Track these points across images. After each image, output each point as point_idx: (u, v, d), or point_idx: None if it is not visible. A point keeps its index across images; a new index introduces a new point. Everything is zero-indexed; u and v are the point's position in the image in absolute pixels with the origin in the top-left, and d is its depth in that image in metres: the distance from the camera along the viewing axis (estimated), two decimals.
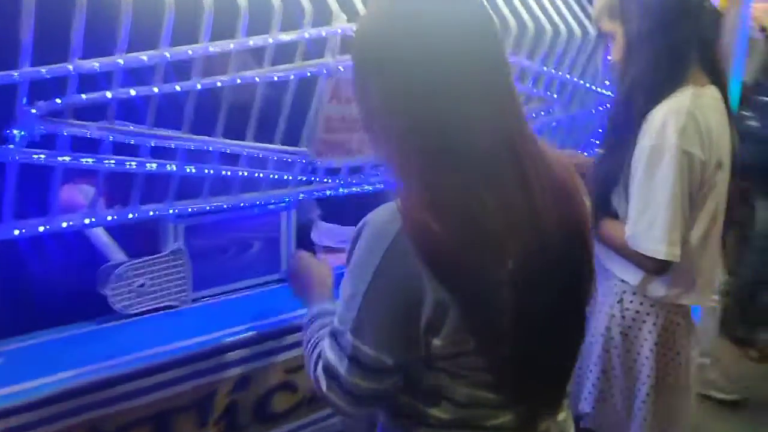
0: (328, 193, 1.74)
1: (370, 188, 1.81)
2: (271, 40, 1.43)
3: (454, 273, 0.90)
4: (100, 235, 1.52)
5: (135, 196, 1.45)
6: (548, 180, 0.95)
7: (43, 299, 1.53)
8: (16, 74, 1.18)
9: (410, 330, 0.92)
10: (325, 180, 1.71)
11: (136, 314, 1.51)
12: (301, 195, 1.71)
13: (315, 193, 1.73)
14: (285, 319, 1.54)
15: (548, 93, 2.03)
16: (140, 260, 1.50)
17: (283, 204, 1.70)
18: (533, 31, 1.85)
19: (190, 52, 1.34)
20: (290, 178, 1.65)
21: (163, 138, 1.41)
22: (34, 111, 1.23)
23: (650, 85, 1.52)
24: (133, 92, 1.32)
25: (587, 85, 2.13)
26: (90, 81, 1.28)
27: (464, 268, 0.90)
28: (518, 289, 0.92)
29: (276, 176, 1.62)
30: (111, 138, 1.34)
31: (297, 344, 1.34)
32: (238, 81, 1.43)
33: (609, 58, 1.70)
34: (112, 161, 1.37)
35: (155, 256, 1.51)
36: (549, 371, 1.01)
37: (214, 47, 1.37)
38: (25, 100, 1.22)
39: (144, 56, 1.30)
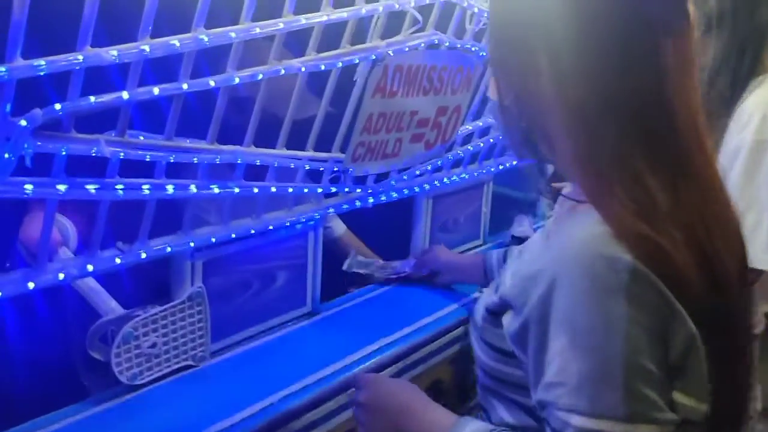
0: (357, 204, 1.44)
1: (396, 195, 1.52)
2: (325, 18, 1.10)
3: (700, 304, 0.71)
4: (88, 279, 1.13)
5: (144, 229, 1.08)
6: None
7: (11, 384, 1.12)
8: (2, 70, 0.79)
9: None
10: (346, 190, 1.40)
11: (143, 384, 1.14)
12: (331, 209, 1.39)
13: (344, 206, 1.41)
14: (337, 371, 1.23)
15: None
16: (152, 312, 1.13)
17: (312, 222, 1.37)
18: None
19: (233, 34, 0.98)
20: (320, 190, 1.33)
21: (185, 151, 1.05)
22: (24, 123, 0.83)
23: (734, 69, 1.36)
24: (156, 91, 0.95)
25: None
26: (90, 79, 0.90)
27: (706, 298, 0.72)
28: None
29: (307, 189, 1.30)
30: (122, 155, 0.96)
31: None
32: (282, 71, 1.09)
33: None
34: (121, 187, 0.99)
35: (171, 304, 1.15)
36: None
37: (261, 29, 1.02)
38: (9, 108, 0.83)
39: (175, 41, 0.93)
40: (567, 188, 0.86)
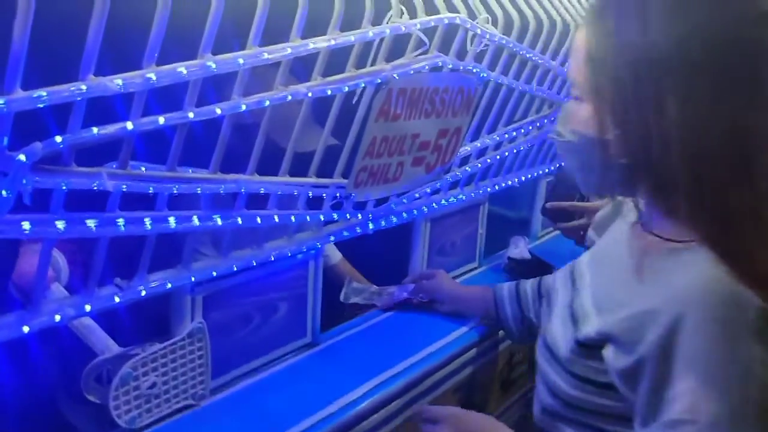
0: (358, 230, 1.39)
1: (396, 220, 1.48)
2: (332, 42, 1.06)
3: None
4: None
5: (143, 264, 1.02)
6: None
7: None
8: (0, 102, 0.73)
9: None
10: (348, 216, 1.36)
11: (141, 427, 1.07)
12: (332, 237, 1.34)
13: (344, 232, 1.36)
14: (342, 407, 1.18)
15: (563, 96, 1.80)
16: (152, 350, 1.06)
17: (313, 251, 1.32)
18: (547, 24, 1.61)
19: (241, 60, 0.93)
20: (323, 217, 1.28)
21: (188, 182, 0.99)
22: (23, 158, 0.77)
23: None
24: (162, 120, 0.89)
25: None
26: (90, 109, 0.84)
27: None
28: None
29: (309, 217, 1.25)
30: (125, 188, 0.90)
31: None
32: (289, 97, 1.04)
33: None
34: (122, 221, 0.93)
35: (171, 342, 1.09)
36: None
37: (269, 54, 0.97)
38: (6, 141, 0.77)
39: (183, 68, 0.87)
40: (657, 227, 0.85)
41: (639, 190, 0.82)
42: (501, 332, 1.46)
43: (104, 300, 0.98)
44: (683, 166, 0.72)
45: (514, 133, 1.70)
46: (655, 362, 0.76)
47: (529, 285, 1.40)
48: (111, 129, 0.84)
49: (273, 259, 1.22)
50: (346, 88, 1.13)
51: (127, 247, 1.01)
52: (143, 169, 0.95)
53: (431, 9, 1.27)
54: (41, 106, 0.76)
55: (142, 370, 1.06)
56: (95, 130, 0.82)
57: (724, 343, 0.71)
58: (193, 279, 1.09)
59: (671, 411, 0.74)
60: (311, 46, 1.03)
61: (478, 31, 1.36)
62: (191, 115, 0.92)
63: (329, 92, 1.10)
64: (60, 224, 0.85)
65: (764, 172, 0.71)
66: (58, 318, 0.92)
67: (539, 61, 1.62)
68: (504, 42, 1.47)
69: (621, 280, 0.89)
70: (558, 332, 0.94)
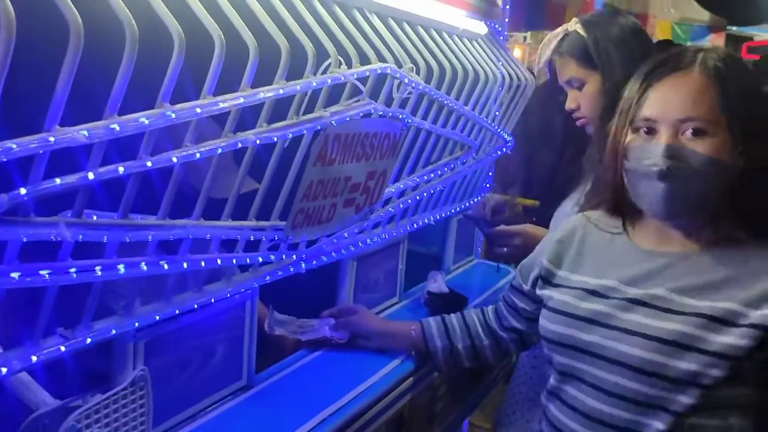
0: (291, 270, 1.41)
1: (326, 259, 1.52)
2: (281, 91, 1.09)
3: None
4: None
5: (89, 312, 1.00)
6: None
7: None
8: None
9: None
10: (283, 257, 1.38)
11: None
12: (268, 277, 1.36)
13: (279, 272, 1.38)
14: None
15: (473, 139, 1.92)
16: (95, 401, 1.03)
17: (249, 291, 1.33)
18: (461, 74, 1.73)
19: (198, 110, 0.95)
20: (261, 259, 1.30)
21: (139, 229, 0.99)
22: None
23: None
24: (122, 169, 0.89)
25: (499, 130, 2.07)
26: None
27: None
28: None
29: (249, 259, 1.26)
30: (81, 237, 0.89)
31: None
32: (239, 144, 1.07)
33: (571, 106, 1.64)
34: (74, 270, 0.92)
35: (114, 391, 1.06)
36: None
37: (224, 102, 1.00)
38: None
39: (144, 119, 0.88)
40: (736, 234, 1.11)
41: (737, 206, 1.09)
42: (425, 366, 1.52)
43: (50, 350, 0.95)
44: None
45: (432, 175, 1.79)
46: None
47: (455, 318, 1.48)
48: (73, 179, 0.83)
49: (213, 301, 1.22)
50: (290, 135, 1.17)
51: (62, 295, 0.99)
52: (95, 217, 0.94)
53: (362, 57, 1.34)
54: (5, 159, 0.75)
55: (86, 422, 1.02)
56: (58, 180, 0.81)
57: None
58: (137, 325, 1.08)
59: None
60: (261, 95, 1.06)
61: (406, 80, 1.44)
62: (149, 163, 0.92)
63: (275, 139, 1.14)
64: (15, 275, 0.83)
65: None
66: (4, 371, 0.88)
67: (455, 107, 1.73)
68: (425, 89, 1.56)
69: (704, 268, 1.11)
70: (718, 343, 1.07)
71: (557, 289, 1.26)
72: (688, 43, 4.89)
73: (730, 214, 1.10)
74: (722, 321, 1.06)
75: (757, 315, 1.04)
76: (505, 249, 1.68)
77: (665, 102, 1.09)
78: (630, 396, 1.10)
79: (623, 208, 1.21)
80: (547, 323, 1.24)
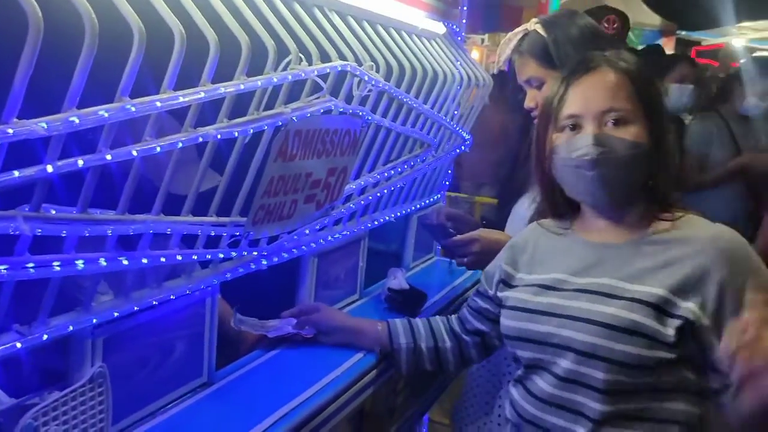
0: (252, 267, 1.42)
1: (287, 256, 1.53)
2: (242, 87, 1.10)
3: None
4: None
5: (46, 308, 0.99)
6: None
7: None
8: None
9: None
10: (244, 253, 1.38)
11: None
12: (228, 274, 1.35)
13: (240, 269, 1.38)
14: None
15: (432, 137, 1.95)
16: (53, 399, 1.02)
17: (210, 288, 1.32)
18: (421, 73, 1.75)
19: (158, 103, 0.95)
20: (222, 255, 1.30)
21: (98, 223, 0.98)
22: None
23: None
24: (81, 163, 0.89)
25: (457, 128, 2.10)
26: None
27: None
28: None
29: (210, 255, 1.26)
30: (39, 231, 0.88)
31: None
32: (200, 139, 1.07)
33: (529, 105, 1.68)
34: (32, 265, 0.91)
35: (72, 388, 1.05)
36: None
37: (184, 97, 1.00)
38: None
39: (104, 112, 0.88)
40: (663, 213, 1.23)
41: (660, 189, 1.21)
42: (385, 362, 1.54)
43: (5, 347, 0.94)
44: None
45: (392, 172, 1.80)
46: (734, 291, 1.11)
47: (420, 320, 1.51)
48: (31, 171, 0.83)
49: (173, 297, 1.21)
50: (251, 130, 1.18)
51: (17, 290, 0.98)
52: (53, 211, 0.93)
53: (323, 55, 1.35)
54: None
55: (43, 420, 1.01)
56: (16, 173, 0.80)
57: (757, 258, 1.15)
58: (95, 321, 1.07)
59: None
60: (222, 90, 1.06)
61: (366, 78, 1.46)
62: (109, 157, 0.92)
63: (236, 134, 1.14)
64: None
65: None
66: None
67: (414, 105, 1.75)
68: (385, 87, 1.58)
69: (644, 255, 1.19)
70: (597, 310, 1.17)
71: (514, 290, 1.33)
72: (639, 47, 5.04)
73: (657, 200, 1.22)
74: (656, 307, 1.13)
75: (683, 306, 1.12)
76: (465, 259, 1.70)
77: (586, 98, 1.20)
78: (579, 380, 1.16)
79: (560, 209, 1.31)
80: (506, 321, 1.31)
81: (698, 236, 1.17)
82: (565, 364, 1.17)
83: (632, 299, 1.15)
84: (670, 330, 1.11)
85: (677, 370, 1.14)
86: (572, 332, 1.17)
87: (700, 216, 1.23)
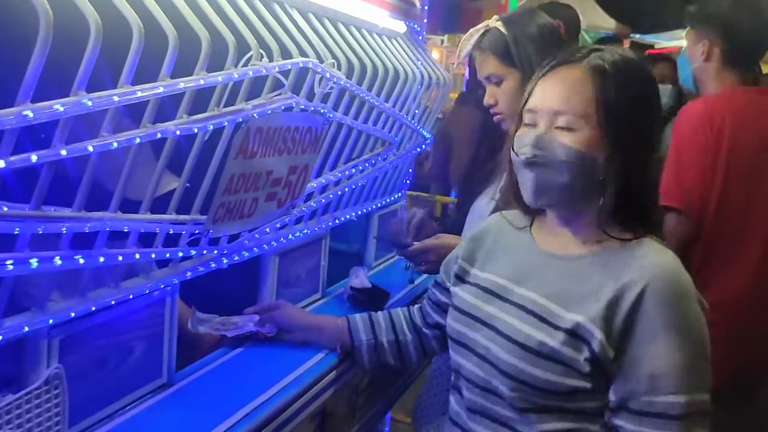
0: (212, 265, 1.40)
1: (247, 255, 1.51)
2: (202, 81, 1.08)
3: None
4: None
5: None
6: None
7: None
8: None
9: None
10: (204, 252, 1.37)
11: None
12: (188, 273, 1.34)
13: (200, 268, 1.37)
14: None
15: (394, 136, 1.95)
16: (6, 401, 0.99)
17: (169, 288, 1.30)
18: (382, 71, 1.76)
19: (116, 98, 0.93)
20: (181, 254, 1.28)
21: (53, 221, 0.96)
22: None
23: None
24: (35, 158, 0.87)
25: (418, 127, 2.11)
26: None
27: None
28: None
29: (169, 254, 1.24)
30: None
31: None
32: (158, 135, 1.05)
33: (489, 102, 1.69)
34: None
35: (27, 390, 1.02)
36: None
37: (142, 92, 0.98)
38: None
39: (59, 105, 0.86)
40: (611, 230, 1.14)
41: (606, 203, 1.10)
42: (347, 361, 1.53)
43: None
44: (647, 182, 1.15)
45: (353, 170, 1.80)
46: (630, 328, 1.05)
47: (381, 315, 1.50)
48: None
49: (131, 297, 1.19)
50: (211, 126, 1.16)
51: None
52: (5, 208, 0.91)
53: (284, 52, 1.34)
54: None
55: None
56: None
57: (681, 304, 1.05)
58: (51, 321, 1.04)
59: (647, 368, 1.03)
60: (182, 85, 1.05)
61: (327, 75, 1.45)
62: (64, 152, 0.90)
63: (195, 130, 1.13)
64: None
65: None
66: None
67: (375, 103, 1.75)
68: (347, 85, 1.57)
69: (580, 275, 1.13)
70: (533, 338, 1.12)
71: (465, 287, 1.30)
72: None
73: (611, 218, 1.12)
74: (573, 334, 1.08)
75: (597, 338, 1.06)
76: (423, 266, 1.71)
77: (545, 94, 1.14)
78: (497, 393, 1.15)
79: (522, 205, 1.23)
80: (449, 320, 1.30)
81: (636, 266, 1.07)
82: (483, 374, 1.16)
83: (555, 326, 1.10)
84: (583, 359, 1.07)
85: (600, 397, 1.09)
86: (494, 346, 1.15)
87: (656, 241, 1.13)
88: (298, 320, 1.54)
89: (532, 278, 1.18)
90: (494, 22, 1.67)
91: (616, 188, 1.08)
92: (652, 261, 1.07)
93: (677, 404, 1.00)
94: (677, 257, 1.10)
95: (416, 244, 1.72)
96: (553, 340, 1.09)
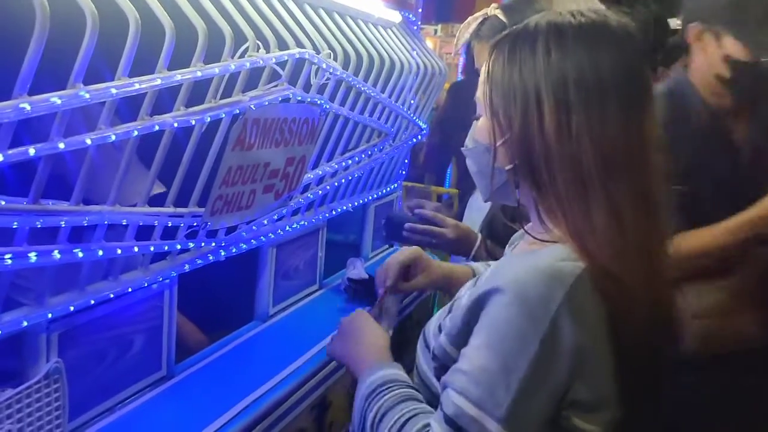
0: (210, 258, 1.40)
1: (245, 247, 1.51)
2: (199, 74, 1.08)
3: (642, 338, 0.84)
4: None
5: None
6: None
7: None
8: None
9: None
10: (202, 244, 1.36)
11: None
12: (187, 266, 1.33)
13: (198, 260, 1.36)
14: None
15: (390, 126, 1.95)
16: (7, 396, 0.99)
17: (168, 281, 1.30)
18: (378, 62, 1.75)
19: (114, 90, 0.93)
20: (179, 246, 1.28)
21: (51, 215, 0.95)
22: None
23: None
24: (32, 151, 0.86)
25: (414, 117, 2.10)
26: None
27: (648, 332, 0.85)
28: None
29: (167, 247, 1.24)
30: None
31: None
32: (156, 127, 1.05)
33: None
34: None
35: (27, 385, 1.01)
36: None
37: (140, 84, 0.97)
38: None
39: (56, 99, 0.85)
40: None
41: (523, 195, 0.90)
42: None
43: None
44: (559, 168, 0.84)
45: (350, 161, 1.80)
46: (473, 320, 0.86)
47: None
48: None
49: (130, 290, 1.19)
50: (208, 118, 1.16)
51: None
52: (3, 202, 0.90)
53: (280, 43, 1.34)
54: None
55: None
56: None
57: (517, 321, 0.80)
58: (50, 315, 1.04)
59: (459, 362, 0.85)
60: (179, 77, 1.04)
61: (324, 66, 1.45)
62: (62, 145, 0.89)
63: (193, 122, 1.12)
64: None
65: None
66: None
67: (372, 94, 1.75)
68: (343, 75, 1.57)
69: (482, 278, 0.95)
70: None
71: None
72: None
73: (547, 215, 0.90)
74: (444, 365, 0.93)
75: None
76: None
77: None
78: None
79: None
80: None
81: (510, 272, 0.86)
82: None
83: (429, 348, 1.00)
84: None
85: None
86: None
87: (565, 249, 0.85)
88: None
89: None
90: (493, 10, 1.65)
91: (509, 177, 0.91)
92: (529, 267, 0.84)
93: (451, 404, 0.82)
94: (555, 272, 0.82)
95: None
96: (425, 365, 1.01)
